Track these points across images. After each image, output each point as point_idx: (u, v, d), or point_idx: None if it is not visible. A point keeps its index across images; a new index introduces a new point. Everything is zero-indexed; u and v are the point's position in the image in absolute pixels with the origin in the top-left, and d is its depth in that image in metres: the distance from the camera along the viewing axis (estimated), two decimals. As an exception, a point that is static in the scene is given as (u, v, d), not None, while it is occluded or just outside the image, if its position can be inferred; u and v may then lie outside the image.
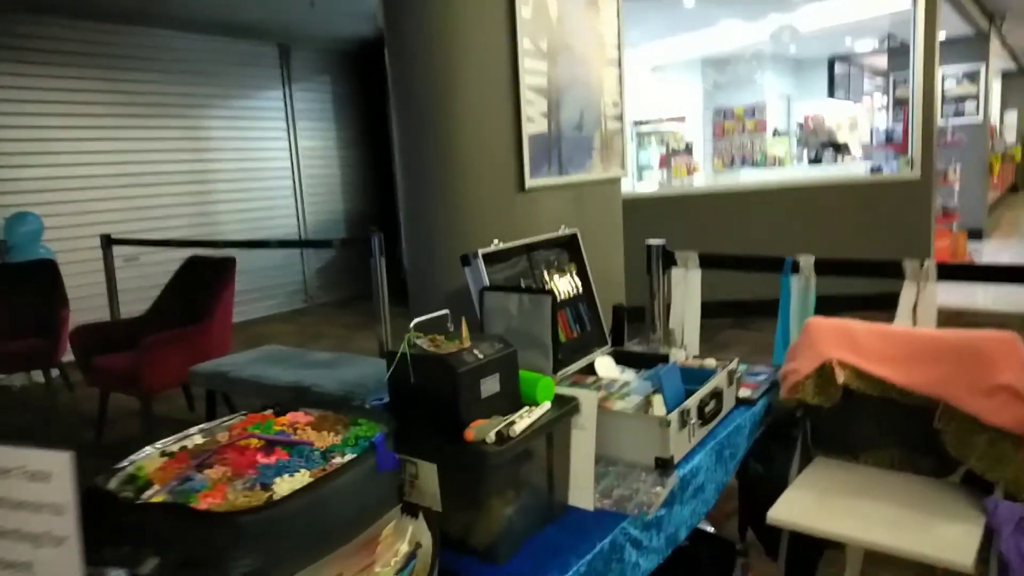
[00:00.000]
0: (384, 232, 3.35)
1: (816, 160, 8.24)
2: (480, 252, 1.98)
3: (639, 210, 5.19)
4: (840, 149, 8.33)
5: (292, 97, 8.07)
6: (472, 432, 1.28)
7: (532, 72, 2.70)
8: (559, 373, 1.90)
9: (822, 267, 2.23)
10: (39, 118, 5.99)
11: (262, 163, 7.82)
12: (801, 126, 9.77)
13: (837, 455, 2.03)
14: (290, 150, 8.11)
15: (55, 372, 5.05)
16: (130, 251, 5.98)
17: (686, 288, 2.41)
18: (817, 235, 5.85)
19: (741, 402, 1.95)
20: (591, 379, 1.94)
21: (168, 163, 6.93)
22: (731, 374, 1.90)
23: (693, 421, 1.63)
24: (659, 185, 6.95)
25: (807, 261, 2.22)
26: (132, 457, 1.22)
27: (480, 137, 2.62)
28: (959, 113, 9.79)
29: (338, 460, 1.16)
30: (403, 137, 2.73)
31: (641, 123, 8.26)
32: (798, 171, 7.89)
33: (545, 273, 2.21)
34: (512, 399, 1.41)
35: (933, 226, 6.16)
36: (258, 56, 7.73)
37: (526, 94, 2.66)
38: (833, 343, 1.97)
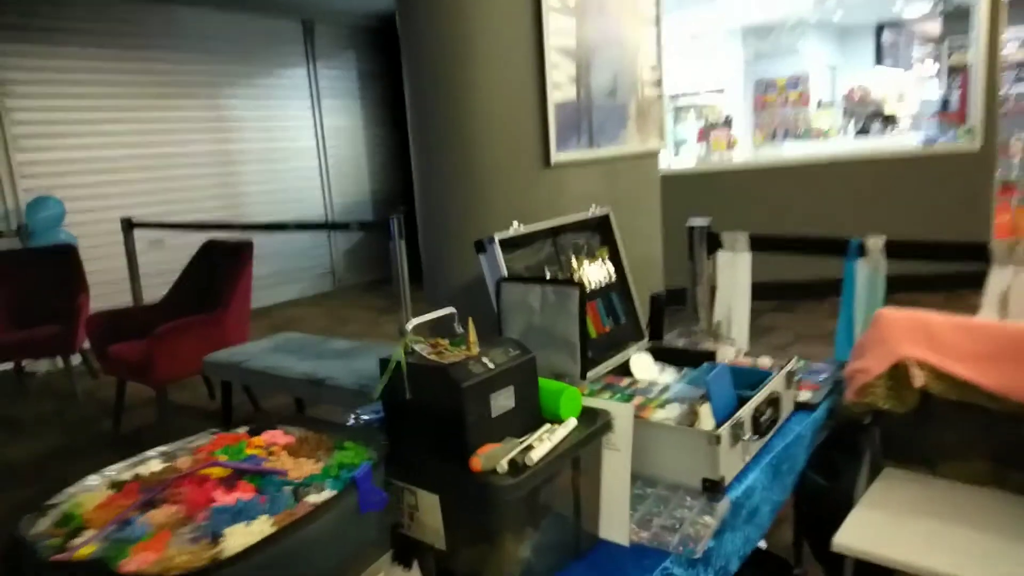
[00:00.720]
0: (412, 213, 3.14)
1: (863, 132, 7.83)
2: (497, 237, 1.73)
3: (676, 187, 4.90)
4: (888, 120, 7.91)
5: (317, 74, 7.87)
6: (480, 460, 1.05)
7: (558, 31, 2.40)
8: (589, 374, 1.66)
9: (893, 250, 1.93)
10: (59, 99, 5.87)
11: (287, 143, 7.66)
12: (847, 97, 9.31)
13: (911, 466, 1.77)
14: (315, 129, 7.92)
15: (78, 359, 4.97)
16: (155, 235, 5.86)
17: (734, 274, 2.13)
18: (866, 211, 5.50)
19: (800, 407, 1.69)
20: (626, 381, 1.70)
21: (192, 144, 6.79)
22: (790, 376, 1.64)
23: (747, 436, 1.38)
24: (698, 160, 6.61)
25: (876, 243, 1.93)
26: (72, 488, 1.03)
27: (500, 106, 2.35)
28: (1020, 79, 9.19)
29: (313, 498, 0.95)
30: (415, 108, 2.48)
31: (677, 96, 7.90)
32: (845, 144, 7.47)
33: (573, 260, 1.96)
34: (530, 415, 1.18)
35: (995, 200, 5.74)
36: (281, 32, 7.53)
37: (552, 56, 2.37)
38: (908, 339, 1.69)
